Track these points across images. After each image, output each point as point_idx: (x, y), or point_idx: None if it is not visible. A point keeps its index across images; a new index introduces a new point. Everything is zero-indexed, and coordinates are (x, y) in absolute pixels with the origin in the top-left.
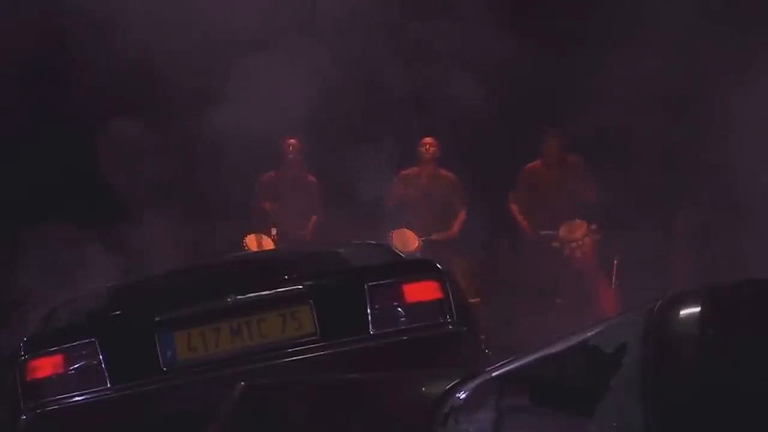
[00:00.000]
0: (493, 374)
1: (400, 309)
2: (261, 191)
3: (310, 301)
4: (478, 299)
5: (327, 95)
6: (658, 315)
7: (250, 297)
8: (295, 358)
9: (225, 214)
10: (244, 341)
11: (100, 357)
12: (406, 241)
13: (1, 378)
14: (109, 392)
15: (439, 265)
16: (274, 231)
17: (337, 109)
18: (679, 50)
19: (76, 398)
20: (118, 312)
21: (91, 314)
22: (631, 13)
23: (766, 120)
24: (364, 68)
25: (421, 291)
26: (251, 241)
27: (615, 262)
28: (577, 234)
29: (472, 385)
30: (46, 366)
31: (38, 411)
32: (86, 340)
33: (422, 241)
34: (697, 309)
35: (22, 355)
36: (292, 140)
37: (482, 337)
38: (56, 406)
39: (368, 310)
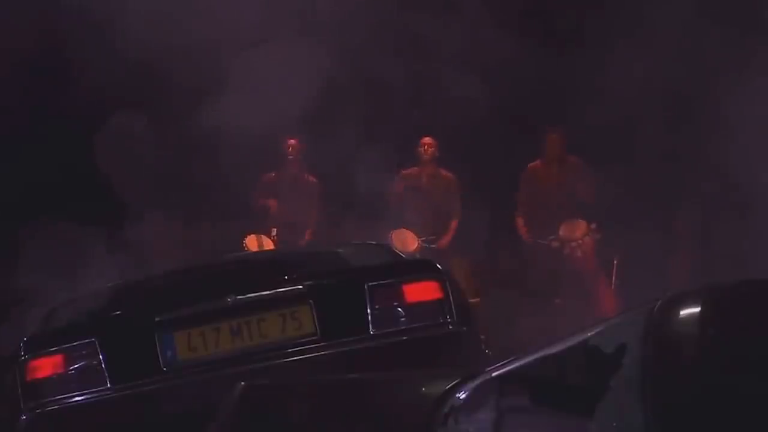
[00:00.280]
0: (493, 374)
1: (400, 309)
2: (261, 191)
3: (310, 301)
4: (478, 299)
5: (327, 95)
6: (658, 315)
7: (250, 297)
8: (295, 358)
9: (225, 214)
10: (244, 341)
11: (100, 357)
12: (406, 242)
13: (1, 378)
14: (109, 392)
15: (439, 265)
16: (274, 231)
17: (337, 109)
18: (679, 50)
19: (76, 398)
20: (118, 312)
21: (91, 314)
22: (632, 13)
23: (766, 120)
24: (365, 68)
25: (421, 291)
26: (251, 241)
27: (615, 262)
28: (577, 234)
29: (472, 385)
30: (46, 366)
31: (38, 411)
32: (86, 340)
33: (421, 241)
34: (697, 309)
35: (22, 355)
36: (292, 140)
37: (482, 337)
38: (56, 406)
39: (368, 310)
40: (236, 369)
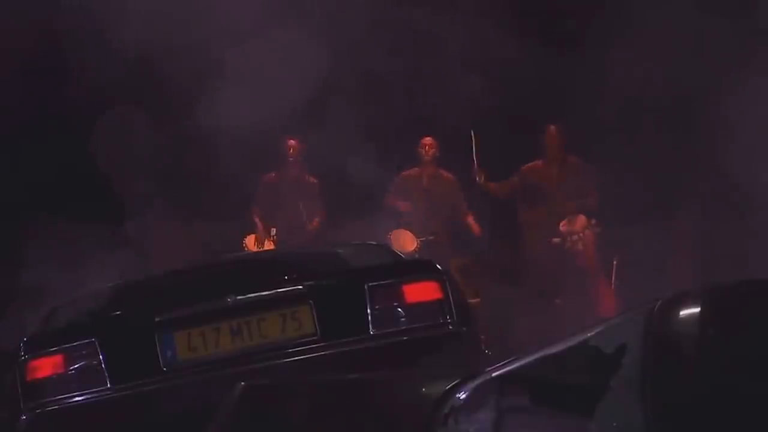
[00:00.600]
0: (493, 374)
1: (400, 309)
2: (261, 192)
3: (310, 301)
4: (478, 299)
5: (327, 95)
6: (658, 315)
7: (250, 297)
8: (295, 358)
9: (225, 214)
10: (244, 341)
11: (100, 357)
12: (405, 242)
13: (1, 378)
14: (109, 392)
15: (438, 265)
16: (274, 231)
17: (337, 109)
18: (679, 50)
19: (76, 398)
20: (118, 312)
21: (91, 314)
22: (632, 12)
23: (766, 120)
24: (365, 68)
25: (420, 291)
26: (251, 241)
27: (615, 262)
28: (577, 226)
29: (472, 385)
30: (46, 366)
31: (38, 411)
32: (86, 340)
33: (421, 242)
34: (697, 309)
35: (23, 355)
36: (293, 141)
37: (482, 337)
38: (56, 406)
39: (368, 311)
40: (236, 369)
